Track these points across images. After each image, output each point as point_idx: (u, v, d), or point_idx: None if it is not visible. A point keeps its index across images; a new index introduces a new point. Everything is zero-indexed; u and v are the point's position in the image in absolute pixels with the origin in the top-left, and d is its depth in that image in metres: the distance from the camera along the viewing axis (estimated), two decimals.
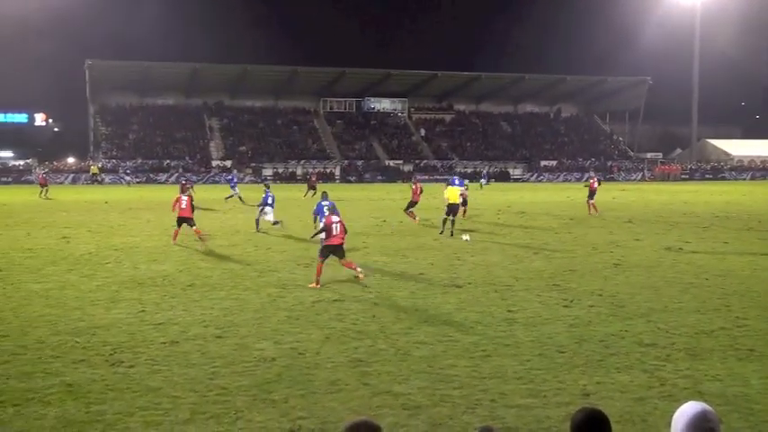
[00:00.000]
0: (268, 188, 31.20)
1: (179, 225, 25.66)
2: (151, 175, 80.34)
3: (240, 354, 11.80)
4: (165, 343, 12.45)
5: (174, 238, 25.92)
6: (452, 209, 28.77)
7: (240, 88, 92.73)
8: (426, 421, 8.87)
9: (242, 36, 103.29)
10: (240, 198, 44.50)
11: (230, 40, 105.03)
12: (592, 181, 38.96)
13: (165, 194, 32.52)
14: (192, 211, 25.97)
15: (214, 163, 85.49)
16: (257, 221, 30.14)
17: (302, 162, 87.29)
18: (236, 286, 17.81)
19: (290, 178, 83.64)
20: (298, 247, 24.80)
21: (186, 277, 19.11)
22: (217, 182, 78.85)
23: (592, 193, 37.96)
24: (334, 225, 18.13)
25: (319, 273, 17.74)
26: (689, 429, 3.75)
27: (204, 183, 78.24)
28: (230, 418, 8.98)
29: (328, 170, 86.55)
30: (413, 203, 33.17)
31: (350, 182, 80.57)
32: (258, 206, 30.93)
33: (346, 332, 13.16)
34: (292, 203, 44.30)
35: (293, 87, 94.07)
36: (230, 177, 52.90)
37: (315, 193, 48.31)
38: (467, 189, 34.31)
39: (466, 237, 21.56)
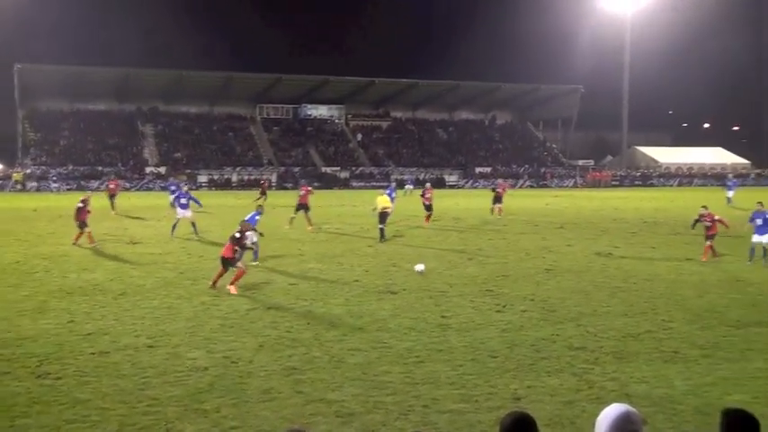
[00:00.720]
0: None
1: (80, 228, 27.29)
2: (82, 182, 78.59)
3: (172, 363, 11.66)
4: (94, 354, 12.21)
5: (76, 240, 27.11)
6: (382, 216, 29.14)
7: (175, 94, 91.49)
8: (359, 428, 8.90)
9: (177, 41, 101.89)
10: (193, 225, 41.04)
11: (165, 45, 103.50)
12: (500, 190, 41.25)
13: (96, 202, 31.84)
14: (86, 214, 27.41)
15: (148, 169, 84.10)
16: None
17: (238, 169, 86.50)
18: (168, 294, 17.58)
19: (226, 185, 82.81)
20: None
21: (117, 286, 18.78)
22: (151, 189, 77.57)
23: (497, 198, 40.30)
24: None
25: None
26: (613, 430, 3.83)
27: (138, 189, 76.90)
28: (161, 429, 8.87)
29: (264, 177, 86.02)
30: (300, 206, 33.01)
31: (286, 188, 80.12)
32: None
33: (280, 340, 13.11)
34: (228, 210, 43.87)
35: (229, 93, 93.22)
36: (169, 185, 52.18)
37: (266, 198, 48.12)
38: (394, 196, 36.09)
39: (420, 267, 20.41)
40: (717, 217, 24.16)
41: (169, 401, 9.83)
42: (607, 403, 4.11)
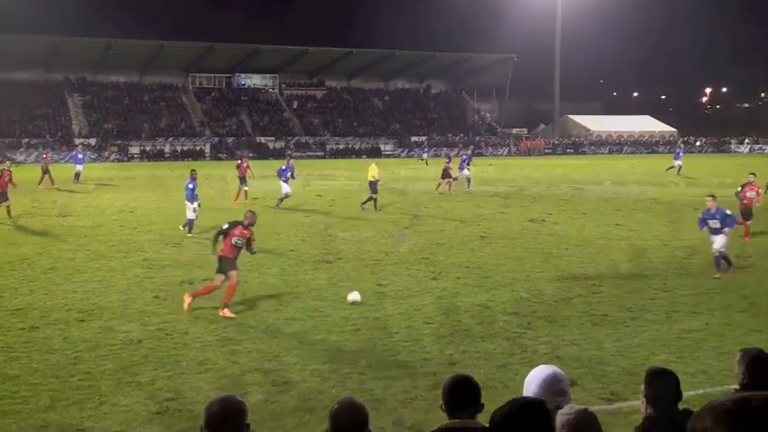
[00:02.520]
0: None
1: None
2: (8, 154, 76.21)
3: (105, 337, 11.49)
4: (23, 329, 11.95)
5: None
6: (372, 186, 29.07)
7: (104, 63, 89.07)
8: (296, 397, 8.93)
9: (106, 9, 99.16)
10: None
11: (93, 13, 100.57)
12: (448, 164, 37.30)
13: (23, 174, 31.00)
14: (6, 185, 25.84)
15: (77, 141, 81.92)
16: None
17: (170, 140, 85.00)
18: (100, 268, 17.26)
19: (159, 156, 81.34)
20: (165, 226, 24.18)
21: (47, 260, 18.35)
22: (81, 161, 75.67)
23: (445, 173, 36.58)
24: None
25: None
26: (541, 390, 3.91)
27: (67, 162, 74.99)
28: (94, 402, 8.76)
29: (198, 147, 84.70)
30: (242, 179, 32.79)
31: (221, 159, 79.13)
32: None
33: (215, 311, 13.02)
34: (161, 182, 43.17)
35: (160, 63, 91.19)
36: (75, 153, 51.10)
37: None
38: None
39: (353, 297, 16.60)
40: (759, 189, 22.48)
41: (102, 375, 9.71)
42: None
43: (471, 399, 3.99)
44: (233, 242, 13.39)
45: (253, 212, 14.03)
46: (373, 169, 29.65)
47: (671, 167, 47.55)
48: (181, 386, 9.29)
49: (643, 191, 35.31)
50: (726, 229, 16.09)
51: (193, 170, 24.70)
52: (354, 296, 13.49)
